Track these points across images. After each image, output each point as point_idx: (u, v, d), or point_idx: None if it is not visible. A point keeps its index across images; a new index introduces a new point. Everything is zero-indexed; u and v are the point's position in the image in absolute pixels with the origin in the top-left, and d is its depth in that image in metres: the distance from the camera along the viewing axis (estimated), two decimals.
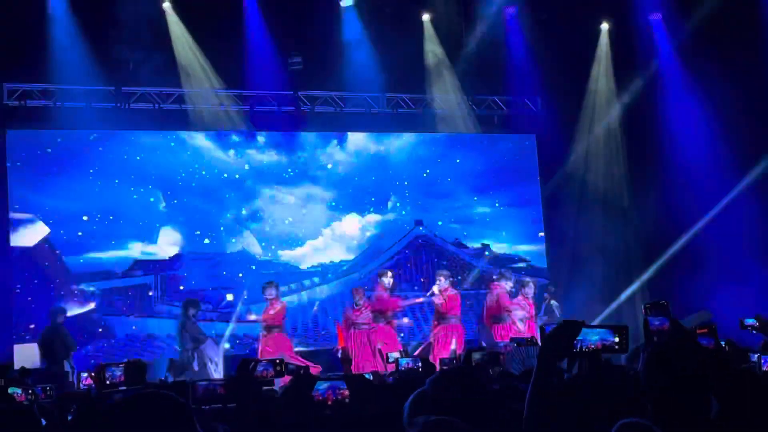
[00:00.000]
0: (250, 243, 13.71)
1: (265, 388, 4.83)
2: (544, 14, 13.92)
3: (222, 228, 13.60)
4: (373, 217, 14.34)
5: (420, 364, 8.07)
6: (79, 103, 12.93)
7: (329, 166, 14.23)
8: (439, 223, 14.68)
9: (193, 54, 13.17)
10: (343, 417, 4.13)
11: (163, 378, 9.77)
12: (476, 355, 7.93)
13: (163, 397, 2.33)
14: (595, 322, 11.34)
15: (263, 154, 13.97)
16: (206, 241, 13.48)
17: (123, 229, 13.04)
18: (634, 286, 14.35)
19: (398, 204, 14.48)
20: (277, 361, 4.98)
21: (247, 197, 13.84)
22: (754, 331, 6.87)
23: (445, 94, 14.47)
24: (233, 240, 13.63)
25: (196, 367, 11.59)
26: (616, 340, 3.16)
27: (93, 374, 5.95)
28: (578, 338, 3.11)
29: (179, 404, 2.33)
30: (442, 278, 12.55)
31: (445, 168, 14.76)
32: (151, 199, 13.25)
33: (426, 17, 14.17)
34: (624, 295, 14.33)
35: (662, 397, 2.86)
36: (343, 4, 13.56)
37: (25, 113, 12.72)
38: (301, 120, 14.02)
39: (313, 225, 14.08)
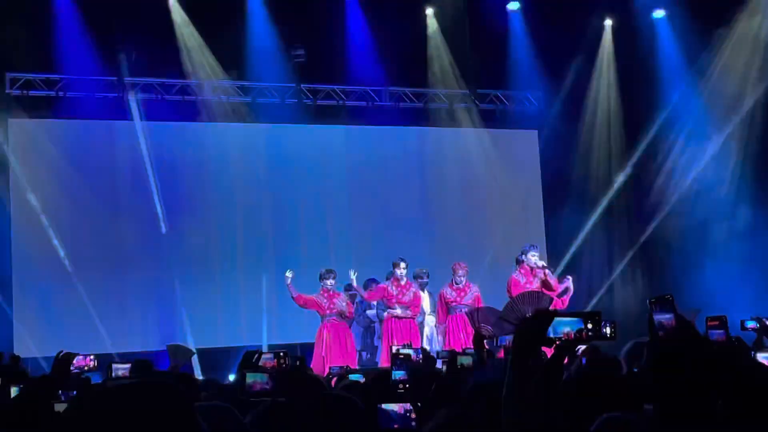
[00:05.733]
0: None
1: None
2: (548, 9, 13.92)
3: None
4: None
5: (421, 356, 7.88)
6: (81, 92, 12.93)
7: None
8: None
9: (195, 45, 13.16)
10: None
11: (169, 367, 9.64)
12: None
13: (159, 387, 2.09)
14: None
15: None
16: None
17: (121, 218, 13.07)
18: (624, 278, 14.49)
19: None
20: (281, 353, 4.99)
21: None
22: (755, 333, 6.85)
23: (448, 88, 14.47)
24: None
25: None
26: (590, 327, 3.11)
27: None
28: (550, 328, 3.06)
29: (178, 395, 2.09)
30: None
31: (448, 161, 14.82)
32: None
33: (429, 11, 14.18)
34: (617, 288, 14.46)
35: (667, 394, 2.84)
36: None
37: (28, 102, 12.72)
38: (303, 113, 14.01)
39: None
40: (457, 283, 11.69)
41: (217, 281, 13.28)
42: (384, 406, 3.59)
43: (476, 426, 2.59)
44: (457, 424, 2.60)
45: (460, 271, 11.70)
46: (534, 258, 11.60)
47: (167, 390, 2.10)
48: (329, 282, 11.63)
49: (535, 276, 11.53)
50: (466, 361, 5.63)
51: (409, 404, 3.67)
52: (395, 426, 3.61)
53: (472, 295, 11.68)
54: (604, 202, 14.69)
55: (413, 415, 3.58)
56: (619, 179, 14.77)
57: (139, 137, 12.95)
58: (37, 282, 12.37)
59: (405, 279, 11.74)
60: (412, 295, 11.76)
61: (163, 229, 13.09)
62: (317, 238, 13.79)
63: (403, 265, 11.70)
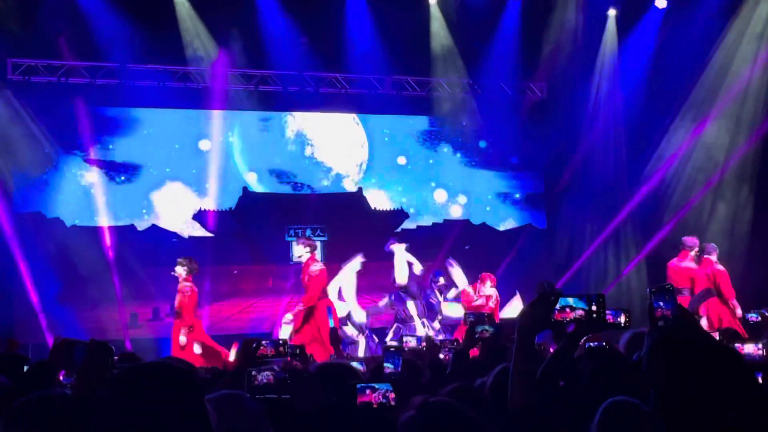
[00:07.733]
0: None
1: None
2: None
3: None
4: None
5: (424, 345, 7.75)
6: (83, 79, 12.90)
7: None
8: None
9: (198, 32, 13.11)
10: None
11: None
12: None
13: (167, 368, 2.11)
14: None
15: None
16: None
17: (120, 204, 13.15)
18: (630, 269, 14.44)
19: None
20: (280, 341, 4.97)
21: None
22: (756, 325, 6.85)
23: (451, 77, 14.43)
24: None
25: None
26: (594, 308, 3.09)
27: None
28: (555, 309, 3.05)
29: (185, 375, 2.11)
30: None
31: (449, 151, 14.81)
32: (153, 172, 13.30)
33: (432, 0, 14.11)
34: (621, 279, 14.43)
35: (665, 383, 2.82)
36: None
37: (30, 88, 12.69)
38: (306, 100, 13.98)
39: None
40: (478, 291, 11.47)
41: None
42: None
43: (454, 411, 2.59)
44: (434, 409, 2.61)
45: (489, 282, 11.48)
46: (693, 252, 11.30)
47: (171, 370, 2.12)
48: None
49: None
50: (488, 329, 5.45)
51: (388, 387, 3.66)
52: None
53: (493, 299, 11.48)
54: (606, 197, 14.63)
55: (392, 395, 3.58)
56: (622, 172, 14.72)
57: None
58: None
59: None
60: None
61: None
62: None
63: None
